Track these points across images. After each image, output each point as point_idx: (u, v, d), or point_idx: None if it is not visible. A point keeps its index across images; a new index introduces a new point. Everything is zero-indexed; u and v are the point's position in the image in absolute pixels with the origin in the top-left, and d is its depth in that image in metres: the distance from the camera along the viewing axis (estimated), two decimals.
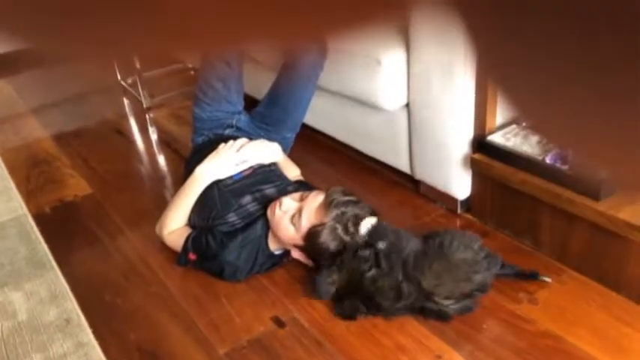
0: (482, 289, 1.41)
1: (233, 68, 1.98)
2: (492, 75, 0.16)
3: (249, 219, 1.65)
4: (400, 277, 1.39)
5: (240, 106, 2.03)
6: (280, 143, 1.92)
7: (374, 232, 1.47)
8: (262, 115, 2.01)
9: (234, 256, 1.57)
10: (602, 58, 0.14)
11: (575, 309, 1.40)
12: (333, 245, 1.45)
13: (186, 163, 1.94)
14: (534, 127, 0.18)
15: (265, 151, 1.81)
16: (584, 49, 0.14)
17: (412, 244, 1.45)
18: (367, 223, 1.47)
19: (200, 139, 2.00)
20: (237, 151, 1.75)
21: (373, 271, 1.41)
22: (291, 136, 2.03)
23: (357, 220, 1.46)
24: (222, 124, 1.99)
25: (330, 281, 1.46)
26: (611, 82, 0.15)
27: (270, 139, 1.93)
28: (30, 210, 2.06)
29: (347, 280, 1.44)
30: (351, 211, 1.47)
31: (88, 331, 1.48)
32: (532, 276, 1.49)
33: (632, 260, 1.38)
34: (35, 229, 1.94)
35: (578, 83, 0.15)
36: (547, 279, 1.48)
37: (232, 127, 1.99)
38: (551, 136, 0.18)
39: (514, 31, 0.15)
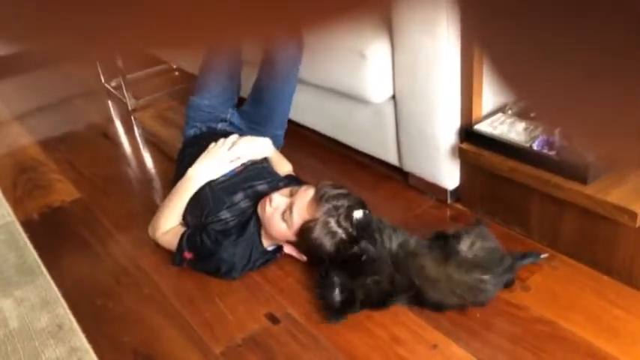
0: (479, 305, 1.40)
1: (237, 60, 2.04)
2: (484, 53, 0.16)
3: (242, 216, 1.65)
4: (391, 272, 1.39)
5: (236, 98, 2.08)
6: (271, 140, 1.93)
7: (359, 226, 1.46)
8: (249, 114, 2.02)
9: (230, 254, 1.57)
10: (590, 37, 0.14)
11: (568, 294, 1.41)
12: (326, 239, 1.44)
13: (178, 156, 1.94)
14: (522, 100, 0.18)
15: (257, 147, 1.81)
16: (571, 26, 0.14)
17: (398, 239, 1.43)
18: (354, 216, 1.47)
19: (192, 132, 2.01)
20: (229, 149, 1.75)
21: (369, 280, 1.40)
22: (280, 133, 2.03)
23: (349, 213, 1.46)
24: (217, 117, 2.01)
25: (337, 294, 1.44)
26: (599, 61, 0.14)
27: (260, 135, 1.94)
28: (18, 217, 2.04)
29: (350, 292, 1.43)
30: (342, 203, 1.46)
31: (81, 335, 1.47)
32: (531, 257, 1.49)
33: (622, 243, 1.39)
34: (24, 235, 1.92)
35: (566, 60, 0.15)
36: (543, 255, 1.50)
37: (226, 121, 2.01)
38: (541, 114, 0.18)
39: (502, 7, 0.15)
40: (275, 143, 1.95)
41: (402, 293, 1.39)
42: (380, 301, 1.42)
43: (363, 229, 1.45)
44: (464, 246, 1.40)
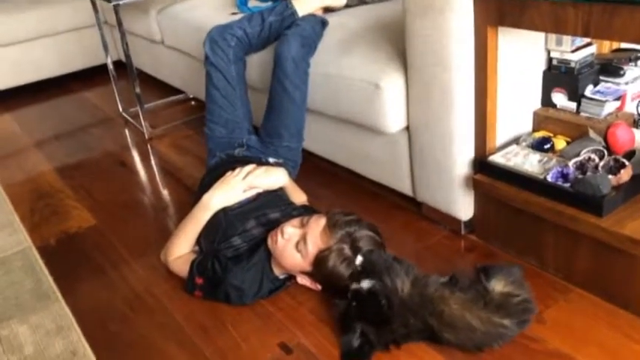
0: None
1: (234, 87, 2.07)
2: None
3: (254, 243, 1.66)
4: (406, 316, 1.36)
5: (248, 124, 2.11)
6: (288, 159, 1.99)
7: (368, 265, 1.44)
8: (264, 128, 2.06)
9: (240, 280, 1.57)
10: None
11: (584, 327, 1.40)
12: (342, 267, 1.44)
13: (199, 184, 1.98)
14: None
15: (271, 178, 1.81)
16: None
17: (410, 278, 1.39)
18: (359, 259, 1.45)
19: (213, 161, 2.06)
20: (244, 178, 1.76)
21: (387, 328, 1.37)
22: (297, 146, 2.05)
23: (362, 238, 1.46)
24: (233, 143, 2.05)
25: (356, 337, 1.39)
26: None
27: (277, 151, 2.00)
28: (34, 242, 2.07)
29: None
30: (354, 229, 1.47)
31: None
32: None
33: (638, 276, 1.38)
34: (40, 261, 1.94)
35: None
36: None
37: (243, 145, 2.04)
38: None
39: None
40: (293, 158, 2.00)
41: (416, 335, 1.37)
42: (394, 341, 1.39)
43: (372, 270, 1.42)
44: (494, 285, 1.35)
